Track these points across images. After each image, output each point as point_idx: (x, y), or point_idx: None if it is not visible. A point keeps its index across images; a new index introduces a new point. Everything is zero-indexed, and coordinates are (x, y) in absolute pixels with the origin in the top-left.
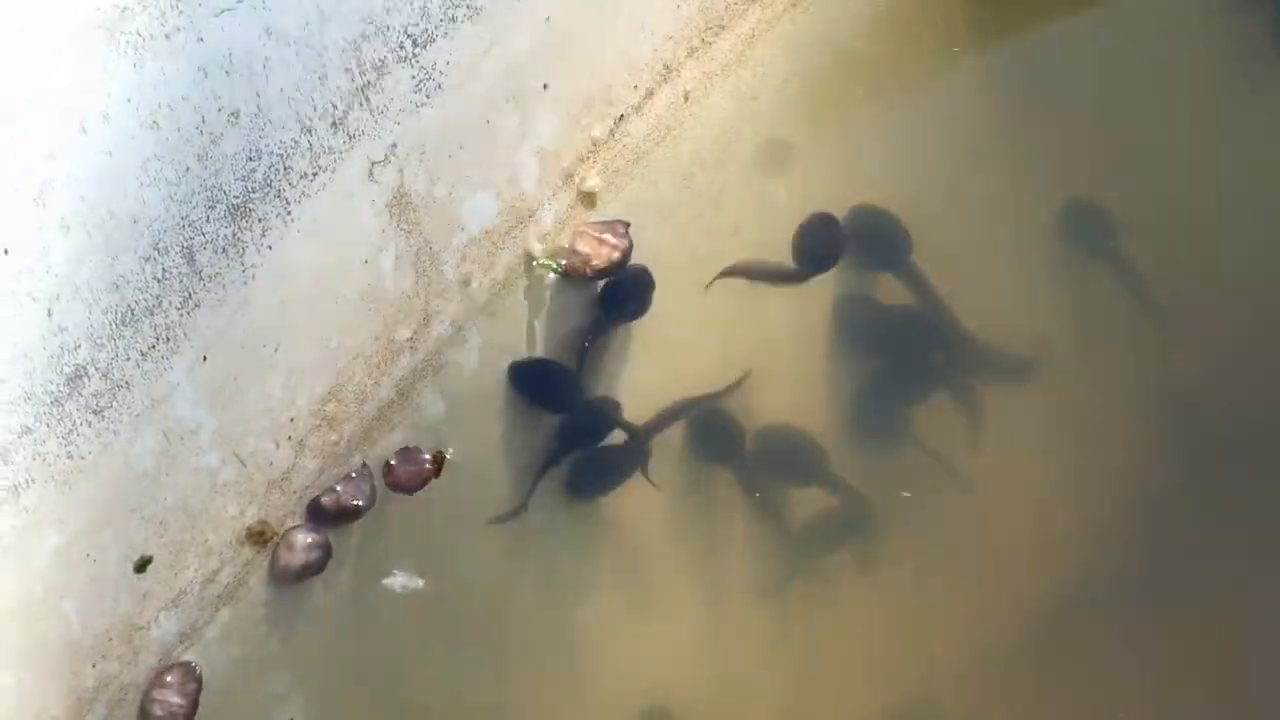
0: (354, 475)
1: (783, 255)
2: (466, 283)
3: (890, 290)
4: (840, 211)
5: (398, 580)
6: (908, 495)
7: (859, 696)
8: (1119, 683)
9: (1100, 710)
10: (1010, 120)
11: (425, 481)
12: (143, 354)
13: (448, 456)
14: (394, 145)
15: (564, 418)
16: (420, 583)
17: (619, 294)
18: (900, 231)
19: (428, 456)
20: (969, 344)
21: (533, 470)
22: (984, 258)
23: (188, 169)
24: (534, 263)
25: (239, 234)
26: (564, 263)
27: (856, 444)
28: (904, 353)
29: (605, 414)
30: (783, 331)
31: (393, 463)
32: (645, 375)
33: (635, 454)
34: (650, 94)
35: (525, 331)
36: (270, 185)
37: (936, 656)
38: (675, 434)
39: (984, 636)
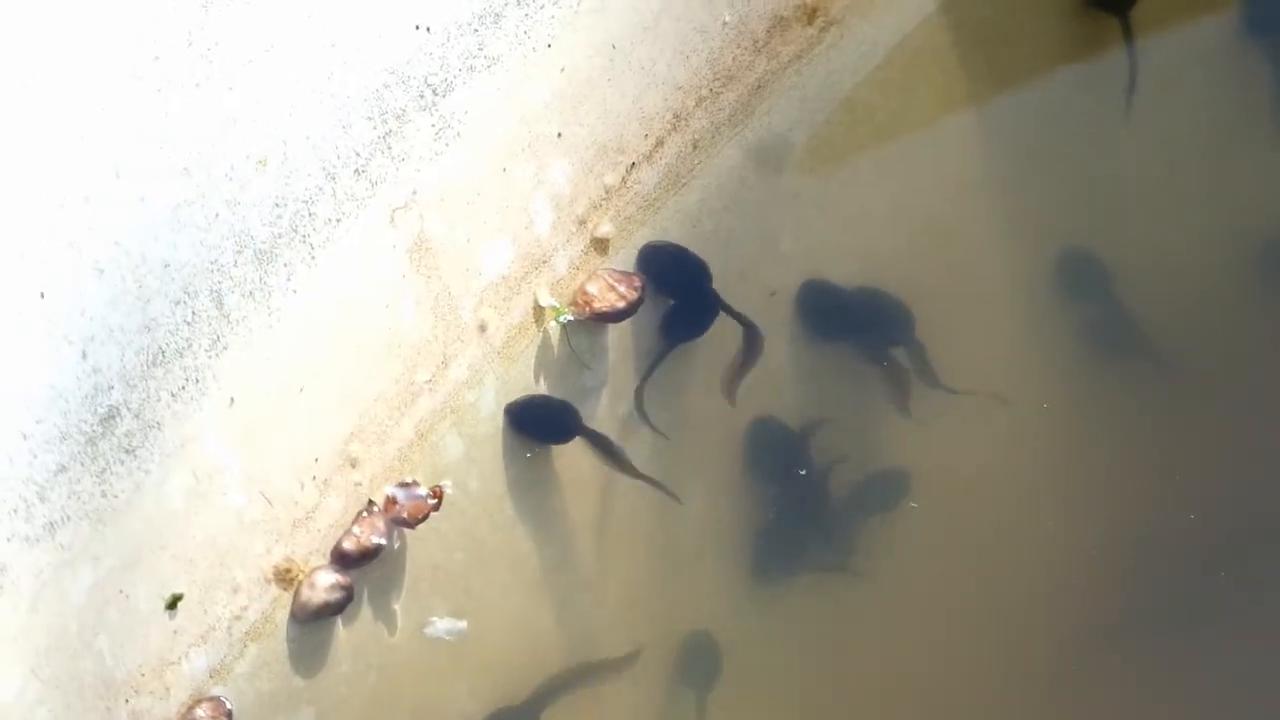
0: (366, 514)
1: (787, 302)
2: (484, 327)
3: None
4: (844, 266)
5: (440, 627)
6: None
7: None
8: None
9: None
10: (1009, 169)
11: (426, 515)
12: (173, 395)
13: (447, 490)
14: (414, 192)
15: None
16: (463, 624)
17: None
18: (902, 308)
19: (427, 491)
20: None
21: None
22: (982, 304)
23: (217, 214)
24: (544, 309)
25: (265, 278)
26: (570, 316)
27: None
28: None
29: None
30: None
31: (393, 497)
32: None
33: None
34: (660, 142)
35: (539, 374)
36: (296, 231)
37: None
38: None
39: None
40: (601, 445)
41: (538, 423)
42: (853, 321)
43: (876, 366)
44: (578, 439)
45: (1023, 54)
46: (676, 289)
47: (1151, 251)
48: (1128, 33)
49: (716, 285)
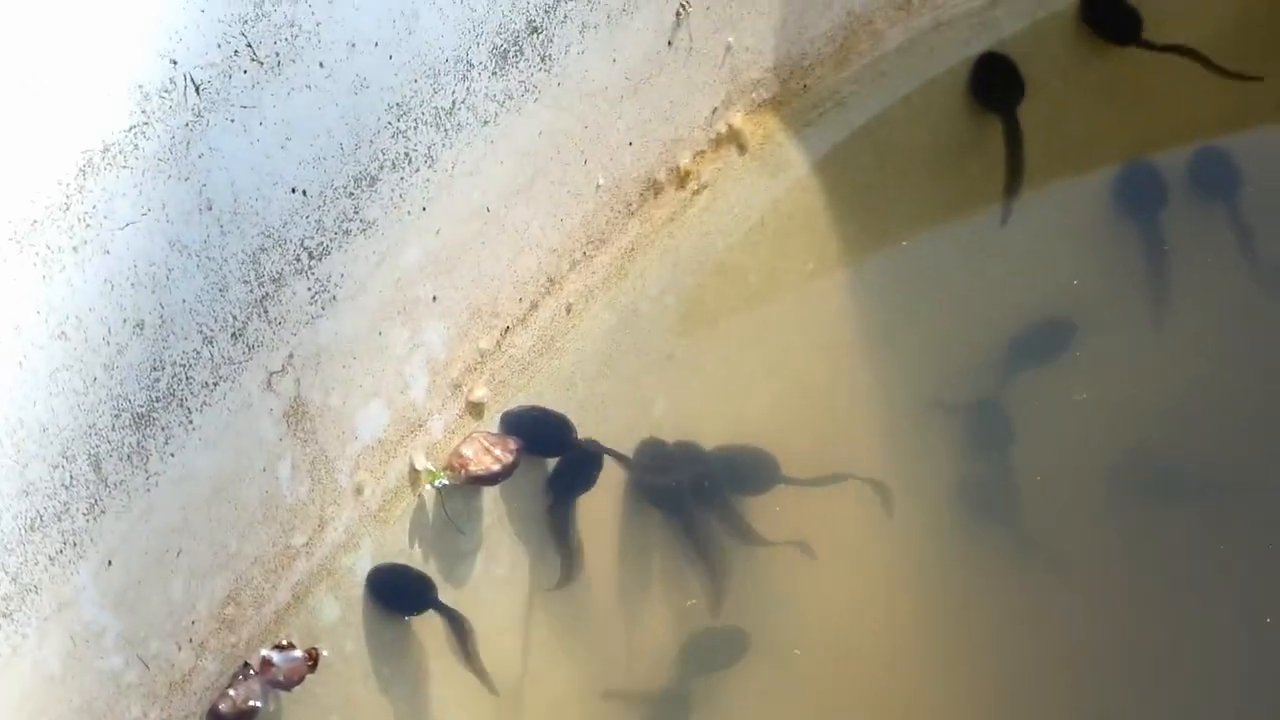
0: (242, 677)
1: None
2: (360, 490)
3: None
4: (717, 427)
5: None
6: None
7: None
8: None
9: None
10: (882, 327)
11: (301, 678)
12: (50, 559)
13: (323, 654)
14: (291, 356)
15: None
16: None
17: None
18: (769, 459)
19: (302, 654)
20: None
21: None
22: (855, 465)
23: (95, 379)
24: (419, 472)
25: (143, 442)
26: (446, 480)
27: None
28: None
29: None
30: None
31: (269, 660)
32: None
33: None
34: (535, 306)
35: (414, 538)
36: (173, 394)
37: None
38: None
39: None
40: (453, 623)
41: (393, 592)
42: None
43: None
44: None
45: (895, 213)
46: (545, 449)
47: (1036, 411)
48: (1013, 132)
49: None
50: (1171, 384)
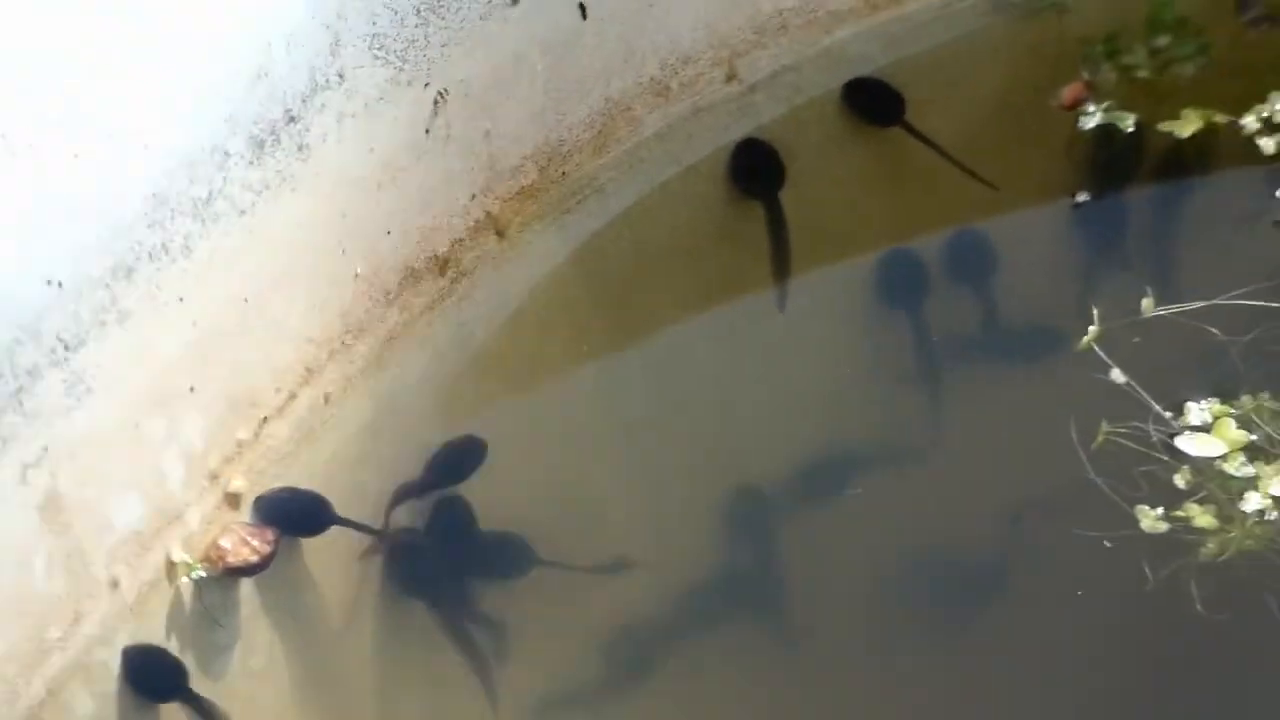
0: None
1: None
2: (115, 583)
3: None
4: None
5: None
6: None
7: None
8: None
9: None
10: (640, 416)
11: None
12: None
13: None
14: (46, 448)
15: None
16: None
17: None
18: (523, 544)
19: None
20: None
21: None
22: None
23: None
24: (176, 565)
25: None
26: (203, 572)
27: None
28: None
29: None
30: None
31: None
32: None
33: None
34: (293, 396)
35: (171, 631)
36: None
37: None
38: None
39: None
40: (201, 712)
41: (143, 677)
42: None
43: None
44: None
45: (654, 301)
46: (300, 528)
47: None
48: (775, 218)
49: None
50: (940, 481)
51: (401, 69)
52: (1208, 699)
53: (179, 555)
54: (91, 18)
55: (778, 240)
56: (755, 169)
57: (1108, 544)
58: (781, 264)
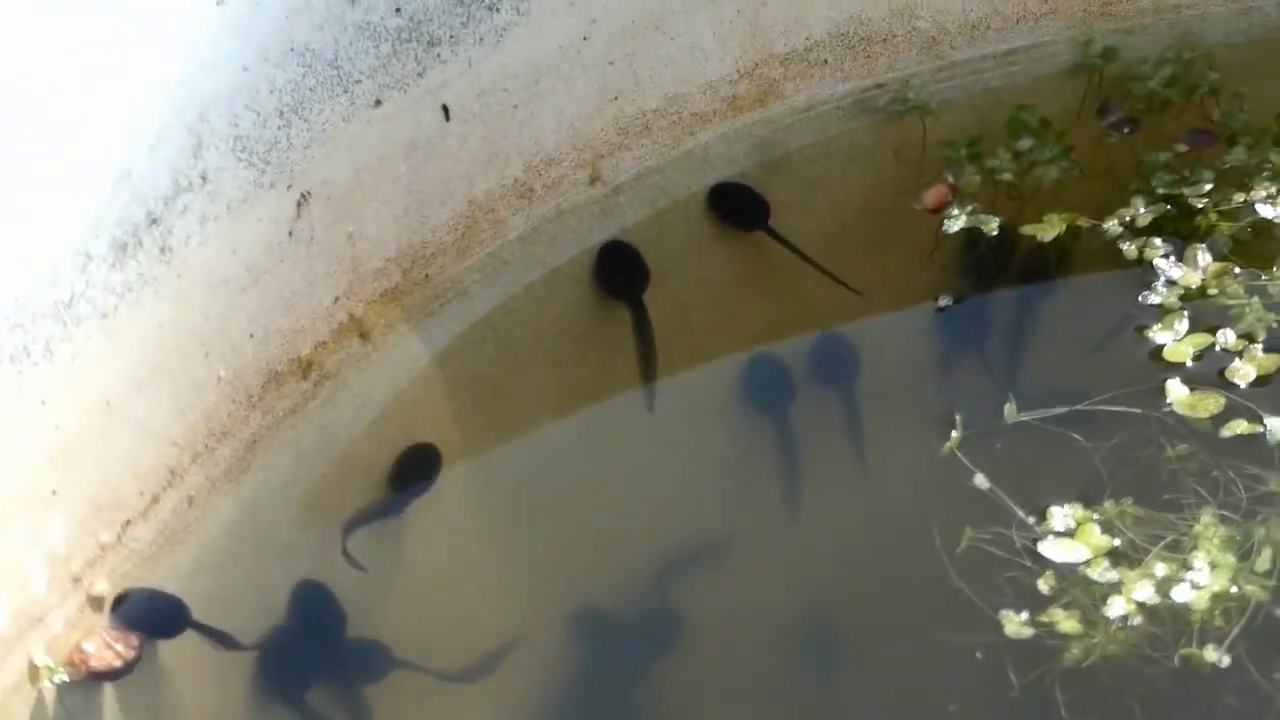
0: None
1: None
2: None
3: None
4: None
5: None
6: None
7: None
8: None
9: None
10: (505, 523)
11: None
12: None
13: None
14: None
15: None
16: None
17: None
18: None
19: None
20: None
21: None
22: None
23: None
24: (39, 668)
25: None
26: (65, 676)
27: None
28: None
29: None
30: None
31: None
32: None
33: None
34: (156, 499)
35: None
36: None
37: None
38: None
39: None
40: None
41: None
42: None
43: None
44: None
45: (518, 404)
46: (159, 630)
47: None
48: (641, 321)
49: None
50: (799, 587)
51: (264, 171)
52: None
53: (41, 659)
54: None
55: (643, 342)
56: (619, 271)
57: (979, 655)
58: (648, 365)
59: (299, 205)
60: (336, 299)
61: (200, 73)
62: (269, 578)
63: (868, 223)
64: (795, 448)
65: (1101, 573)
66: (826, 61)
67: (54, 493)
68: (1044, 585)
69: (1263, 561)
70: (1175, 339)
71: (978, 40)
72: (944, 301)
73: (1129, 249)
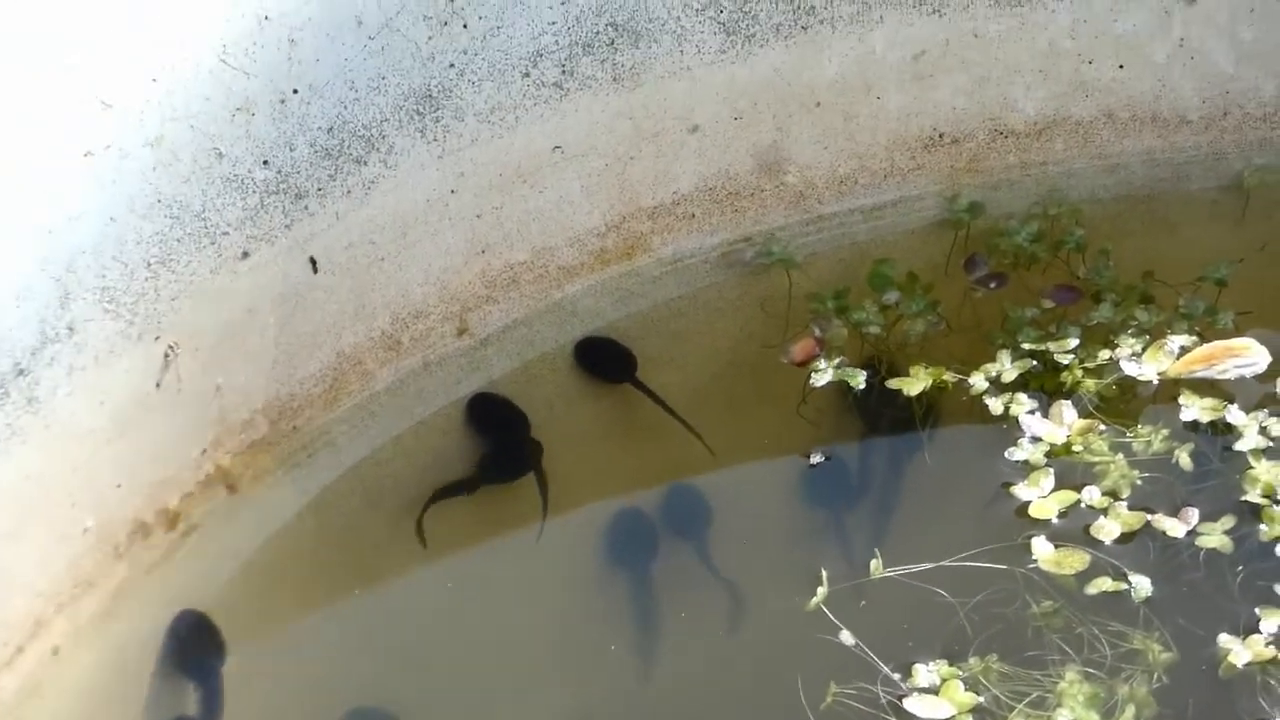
0: None
1: None
2: None
3: None
4: None
5: None
6: None
7: None
8: None
9: None
10: (371, 671)
11: None
12: None
13: None
14: None
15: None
16: None
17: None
18: None
19: None
20: None
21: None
22: None
23: None
24: None
25: None
26: None
27: None
28: None
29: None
30: None
31: None
32: None
33: None
34: (20, 650)
35: None
36: None
37: None
38: None
39: None
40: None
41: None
42: None
43: None
44: None
45: (385, 556)
46: None
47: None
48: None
49: None
50: None
51: (132, 322)
52: None
53: None
54: None
55: (540, 485)
56: (489, 419)
57: None
58: (544, 498)
59: (166, 357)
60: (204, 450)
61: (67, 223)
62: None
63: (736, 376)
64: (652, 605)
65: None
66: (694, 215)
67: None
68: None
69: (1126, 718)
70: (1040, 496)
71: (845, 195)
72: (816, 458)
73: (995, 404)
